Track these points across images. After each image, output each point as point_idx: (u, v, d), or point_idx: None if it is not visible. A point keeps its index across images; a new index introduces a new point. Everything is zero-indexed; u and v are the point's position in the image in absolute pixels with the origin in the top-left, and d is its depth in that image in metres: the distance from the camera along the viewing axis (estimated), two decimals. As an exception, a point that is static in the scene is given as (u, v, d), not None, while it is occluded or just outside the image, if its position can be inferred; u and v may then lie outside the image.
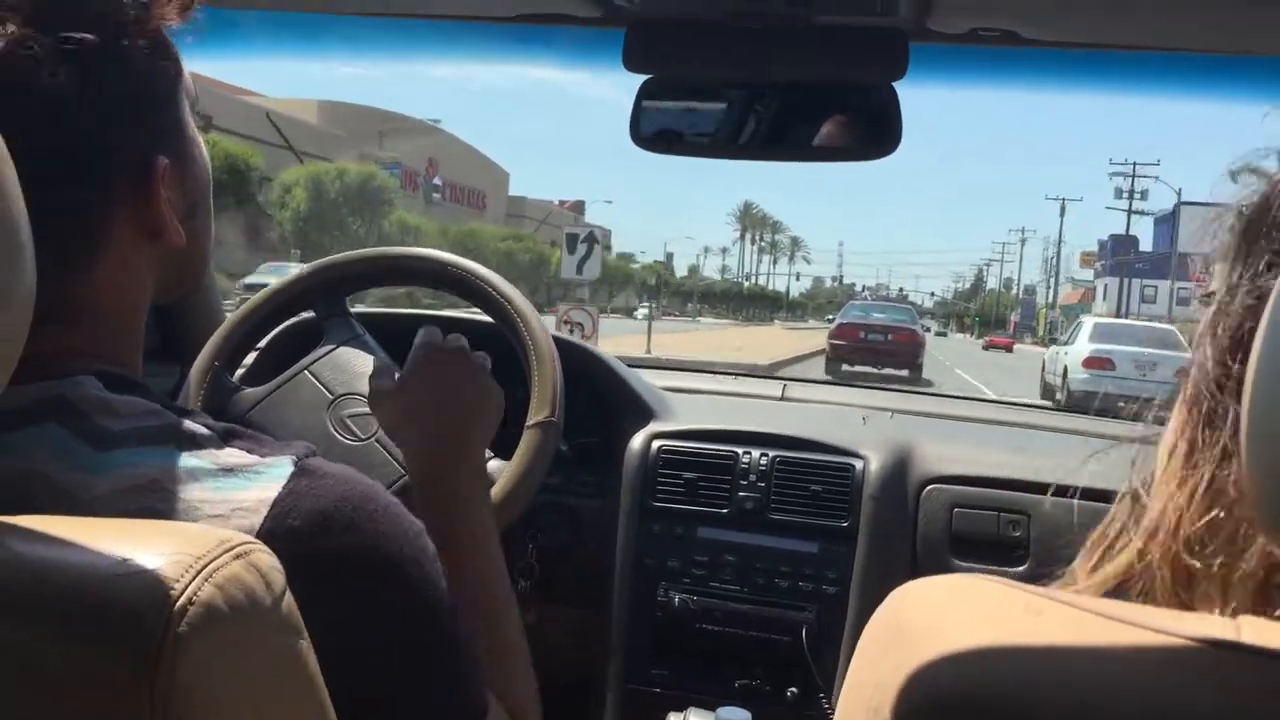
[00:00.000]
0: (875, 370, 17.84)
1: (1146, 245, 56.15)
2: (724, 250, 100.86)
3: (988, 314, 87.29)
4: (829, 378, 13.40)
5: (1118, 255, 49.53)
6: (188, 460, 0.58)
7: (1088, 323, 16.97)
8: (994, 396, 9.89)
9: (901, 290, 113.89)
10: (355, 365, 1.23)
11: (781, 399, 1.87)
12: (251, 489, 0.57)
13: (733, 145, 1.13)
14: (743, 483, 1.51)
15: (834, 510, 1.48)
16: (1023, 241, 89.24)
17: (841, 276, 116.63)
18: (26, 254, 0.48)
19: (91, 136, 0.60)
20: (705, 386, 1.92)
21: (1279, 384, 0.37)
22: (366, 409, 1.18)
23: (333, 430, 1.18)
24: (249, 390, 1.23)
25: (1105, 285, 60.71)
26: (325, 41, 1.43)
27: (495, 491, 1.07)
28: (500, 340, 1.24)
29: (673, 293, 78.45)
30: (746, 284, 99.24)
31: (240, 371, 1.33)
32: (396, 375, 1.00)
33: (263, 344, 1.37)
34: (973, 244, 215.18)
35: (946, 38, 1.05)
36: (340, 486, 0.60)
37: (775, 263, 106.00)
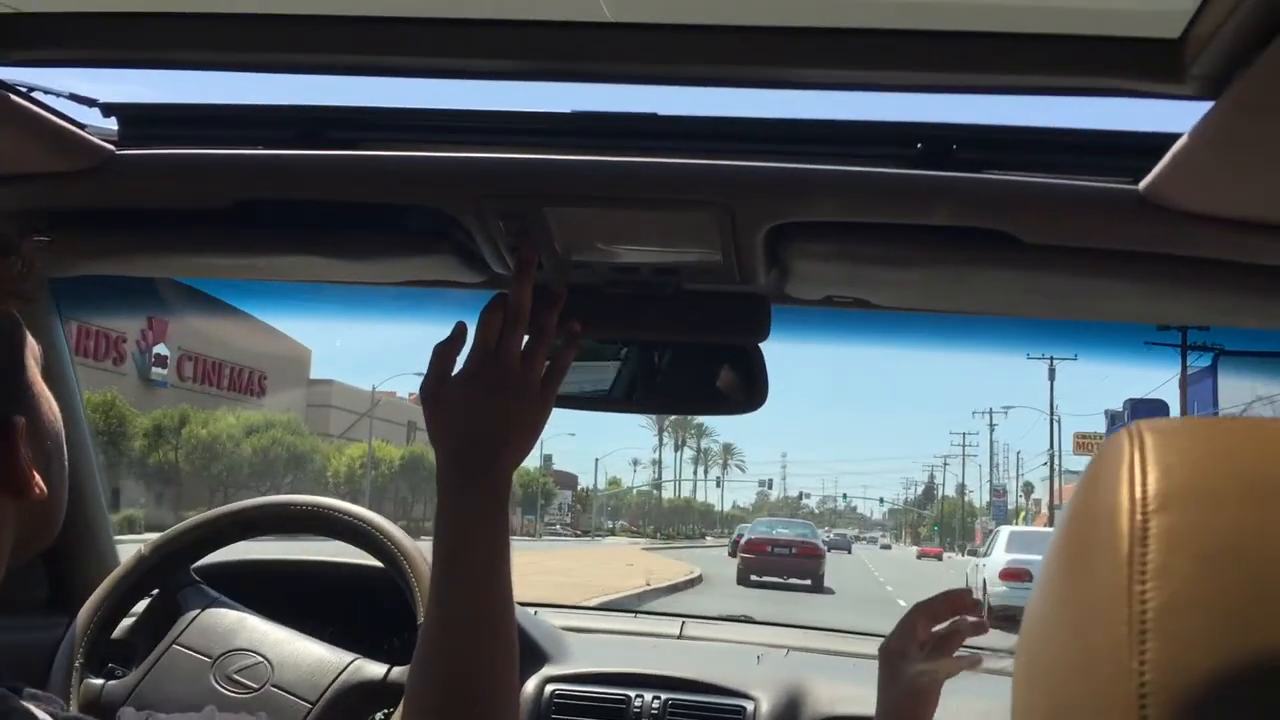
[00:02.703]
0: (781, 580, 21.48)
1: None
2: (654, 461, 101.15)
3: (949, 520, 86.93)
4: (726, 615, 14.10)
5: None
6: None
7: (1003, 532, 17.91)
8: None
9: (846, 496, 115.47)
10: (224, 624, 1.39)
11: (680, 637, 2.08)
12: None
13: (612, 399, 1.34)
14: None
15: None
16: (992, 426, 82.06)
17: (771, 481, 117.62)
18: None
19: None
20: (604, 625, 2.13)
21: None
22: (254, 659, 1.33)
23: (224, 690, 1.33)
24: (118, 682, 1.37)
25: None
26: (189, 304, 1.63)
27: None
28: (382, 579, 1.40)
29: (581, 508, 77.90)
30: (667, 496, 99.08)
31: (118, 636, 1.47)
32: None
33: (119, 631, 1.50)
34: (926, 444, 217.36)
35: (804, 302, 1.28)
36: None
37: (707, 472, 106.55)
